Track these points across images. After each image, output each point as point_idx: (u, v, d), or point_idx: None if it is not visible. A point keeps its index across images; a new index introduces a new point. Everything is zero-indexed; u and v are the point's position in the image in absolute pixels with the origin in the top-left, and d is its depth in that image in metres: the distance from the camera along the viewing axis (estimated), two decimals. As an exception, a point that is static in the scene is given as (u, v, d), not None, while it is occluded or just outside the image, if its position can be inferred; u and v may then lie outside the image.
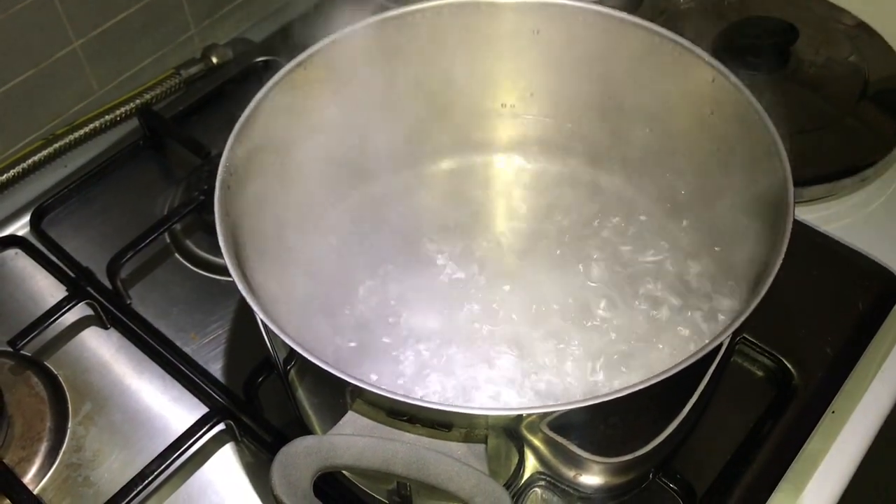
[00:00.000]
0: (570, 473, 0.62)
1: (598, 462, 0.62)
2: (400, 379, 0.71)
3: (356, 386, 0.53)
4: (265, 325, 0.56)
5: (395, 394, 0.53)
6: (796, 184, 0.63)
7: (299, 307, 0.73)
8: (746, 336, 0.76)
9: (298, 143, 0.72)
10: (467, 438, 0.53)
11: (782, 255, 0.57)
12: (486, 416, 0.54)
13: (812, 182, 0.89)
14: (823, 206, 0.89)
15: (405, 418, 0.54)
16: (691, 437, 0.71)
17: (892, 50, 1.01)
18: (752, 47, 0.98)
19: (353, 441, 0.53)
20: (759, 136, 0.65)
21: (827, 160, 0.90)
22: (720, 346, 0.54)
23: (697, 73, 0.70)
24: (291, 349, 0.55)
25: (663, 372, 0.52)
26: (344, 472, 0.68)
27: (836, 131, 0.93)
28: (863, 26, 1.03)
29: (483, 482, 0.51)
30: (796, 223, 0.58)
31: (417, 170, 0.83)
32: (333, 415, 0.56)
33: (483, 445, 0.53)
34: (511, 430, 0.55)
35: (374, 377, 0.71)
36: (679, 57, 0.71)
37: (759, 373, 0.77)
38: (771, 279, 0.56)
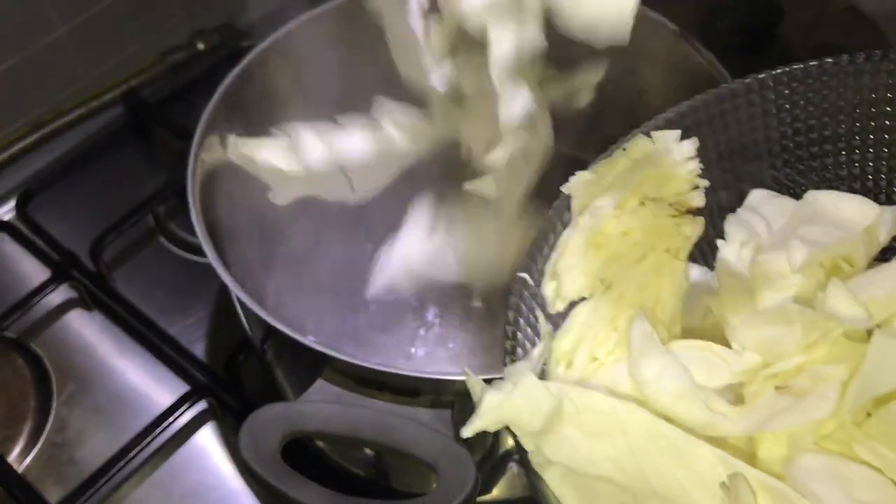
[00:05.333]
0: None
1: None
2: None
3: (323, 353, 0.54)
4: (234, 294, 0.57)
5: (363, 360, 0.54)
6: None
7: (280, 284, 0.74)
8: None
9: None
10: (434, 405, 0.54)
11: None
12: (453, 381, 0.54)
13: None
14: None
15: (374, 386, 0.55)
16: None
17: (882, 33, 1.00)
18: (737, 28, 0.97)
19: (321, 408, 0.53)
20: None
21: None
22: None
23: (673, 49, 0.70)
24: (260, 318, 0.55)
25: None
26: (319, 442, 0.68)
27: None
28: (853, 9, 1.03)
29: (448, 446, 0.51)
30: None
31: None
32: (305, 385, 0.56)
33: (449, 411, 0.53)
34: (479, 397, 0.56)
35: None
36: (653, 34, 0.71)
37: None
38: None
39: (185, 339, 0.81)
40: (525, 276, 0.44)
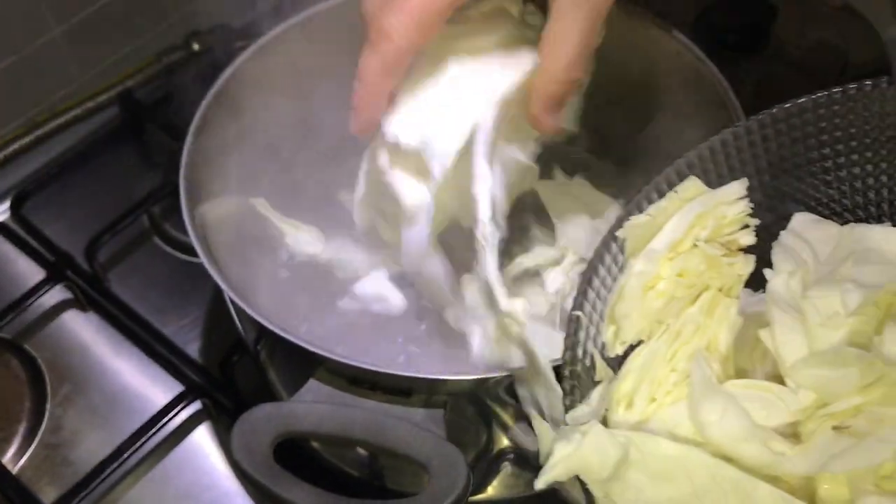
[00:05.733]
0: (535, 443, 0.62)
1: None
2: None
3: (315, 353, 0.54)
4: (227, 294, 0.57)
5: (355, 360, 0.54)
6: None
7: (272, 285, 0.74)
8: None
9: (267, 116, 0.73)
10: (426, 404, 0.54)
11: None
12: (445, 381, 0.54)
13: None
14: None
15: (366, 386, 0.55)
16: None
17: (876, 32, 1.00)
18: (731, 27, 0.98)
19: (313, 408, 0.54)
20: (721, 109, 0.65)
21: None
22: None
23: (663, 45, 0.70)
24: (252, 318, 0.56)
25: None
26: (312, 443, 0.68)
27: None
28: (847, 8, 1.03)
29: (439, 445, 0.51)
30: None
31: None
32: (298, 385, 0.56)
33: (442, 411, 0.53)
34: (471, 397, 0.56)
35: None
36: (646, 31, 0.71)
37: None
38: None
39: (179, 339, 0.81)
40: (580, 314, 0.46)
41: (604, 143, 0.79)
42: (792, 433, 0.44)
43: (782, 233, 0.51)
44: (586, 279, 0.47)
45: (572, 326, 0.45)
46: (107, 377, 0.80)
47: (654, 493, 0.40)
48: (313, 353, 0.55)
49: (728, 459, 0.41)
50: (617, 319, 0.46)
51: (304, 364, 0.57)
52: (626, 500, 0.40)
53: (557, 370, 0.46)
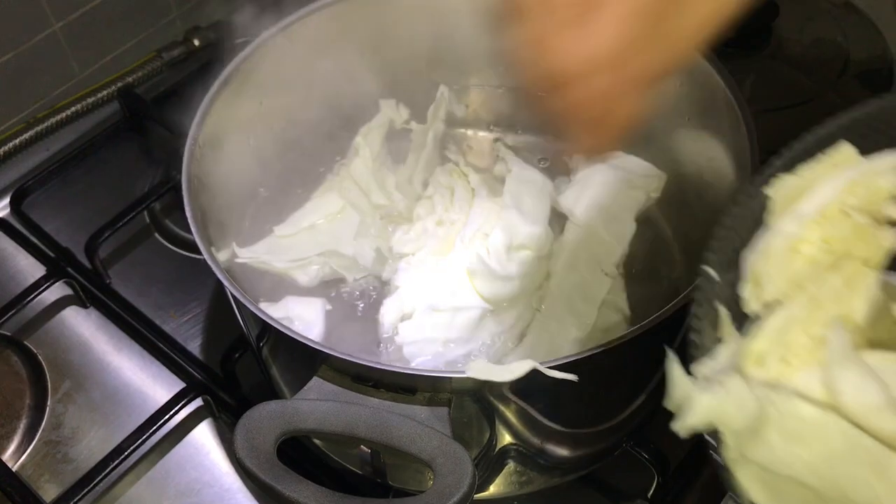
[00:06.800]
0: (537, 441, 0.62)
1: (562, 428, 0.62)
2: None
3: (319, 351, 0.54)
4: (229, 291, 0.57)
5: (359, 358, 0.53)
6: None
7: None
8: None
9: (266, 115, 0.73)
10: (431, 402, 0.54)
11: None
12: (450, 379, 0.54)
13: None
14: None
15: (370, 383, 0.55)
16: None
17: (877, 29, 1.00)
18: (732, 23, 0.97)
19: (317, 405, 0.53)
20: (724, 105, 0.65)
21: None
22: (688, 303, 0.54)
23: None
24: (255, 315, 0.55)
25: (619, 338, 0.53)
26: (316, 441, 0.68)
27: (817, 107, 0.93)
28: (848, 6, 1.03)
29: (444, 443, 0.51)
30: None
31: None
32: (301, 383, 0.56)
33: (446, 409, 0.53)
34: (475, 395, 0.56)
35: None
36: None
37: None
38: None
39: (180, 336, 0.81)
40: (709, 270, 0.45)
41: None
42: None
43: None
44: (719, 236, 0.47)
45: (702, 281, 0.45)
46: (108, 374, 0.79)
47: (786, 453, 0.40)
48: (317, 351, 0.54)
49: (861, 429, 0.41)
50: (758, 277, 0.46)
51: (307, 361, 0.57)
52: (758, 456, 0.41)
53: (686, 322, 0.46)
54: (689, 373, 0.43)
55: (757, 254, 0.46)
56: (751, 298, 0.46)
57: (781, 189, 0.47)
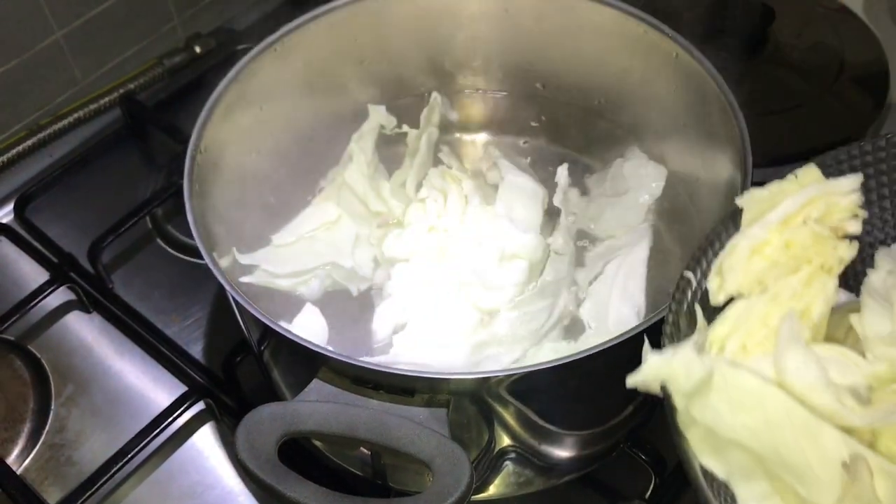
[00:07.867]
0: (535, 443, 0.63)
1: (560, 429, 0.63)
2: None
3: (319, 353, 0.55)
4: (231, 295, 0.58)
5: (358, 360, 0.54)
6: (771, 163, 0.66)
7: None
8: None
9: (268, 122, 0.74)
10: (429, 403, 0.54)
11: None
12: (448, 381, 0.55)
13: (790, 160, 0.89)
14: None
15: (369, 385, 0.55)
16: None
17: (872, 33, 1.01)
18: (728, 29, 0.98)
19: (317, 407, 0.54)
20: (719, 109, 0.66)
21: (803, 136, 0.91)
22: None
23: (662, 48, 0.71)
24: (256, 319, 0.56)
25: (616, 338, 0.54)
26: (315, 442, 0.69)
27: (813, 111, 0.94)
28: (844, 10, 1.04)
29: (443, 444, 0.52)
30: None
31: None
32: (301, 385, 0.57)
33: (445, 410, 0.54)
34: (474, 396, 0.56)
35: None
36: (644, 35, 0.72)
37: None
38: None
39: (182, 340, 0.82)
40: (690, 275, 0.51)
41: (594, 144, 0.80)
42: (864, 399, 0.48)
43: (894, 244, 0.57)
44: (702, 248, 0.53)
45: (682, 283, 0.51)
46: (110, 378, 0.80)
47: (730, 419, 0.45)
48: (317, 353, 0.55)
49: (802, 403, 0.46)
50: (723, 272, 0.52)
51: (307, 364, 0.57)
52: (705, 419, 0.45)
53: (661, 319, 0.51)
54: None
55: (724, 251, 0.52)
56: (717, 291, 0.51)
57: (752, 202, 0.53)
